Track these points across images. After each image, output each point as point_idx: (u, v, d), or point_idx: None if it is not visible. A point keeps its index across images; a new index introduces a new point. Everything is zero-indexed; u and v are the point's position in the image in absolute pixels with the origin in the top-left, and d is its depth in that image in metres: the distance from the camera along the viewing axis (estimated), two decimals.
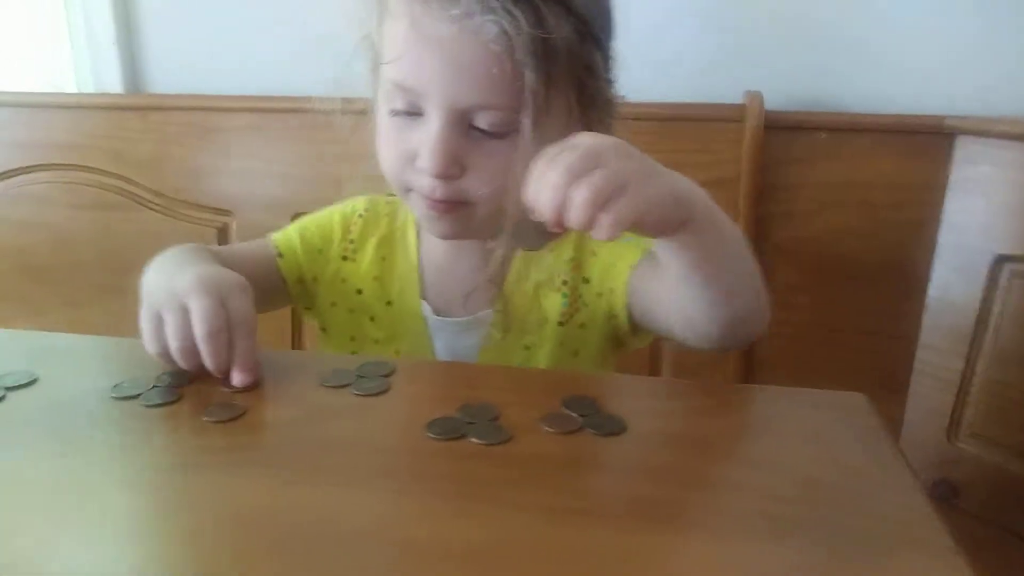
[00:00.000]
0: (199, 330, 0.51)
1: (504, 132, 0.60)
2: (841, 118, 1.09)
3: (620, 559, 0.35)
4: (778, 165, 1.09)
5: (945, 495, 1.09)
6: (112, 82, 1.28)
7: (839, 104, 1.12)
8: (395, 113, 0.63)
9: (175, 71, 1.31)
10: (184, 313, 0.52)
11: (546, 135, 0.60)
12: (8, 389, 0.51)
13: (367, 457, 0.44)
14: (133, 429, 0.47)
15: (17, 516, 0.39)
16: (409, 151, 0.62)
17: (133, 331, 0.57)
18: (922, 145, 1.07)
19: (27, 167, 1.26)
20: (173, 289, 0.54)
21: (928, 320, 1.09)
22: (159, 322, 0.53)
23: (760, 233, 1.10)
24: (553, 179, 0.45)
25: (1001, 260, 1.02)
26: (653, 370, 1.14)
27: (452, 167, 0.61)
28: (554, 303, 0.70)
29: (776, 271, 1.12)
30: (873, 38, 1.10)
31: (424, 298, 0.72)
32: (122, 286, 1.21)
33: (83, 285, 1.27)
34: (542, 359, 0.70)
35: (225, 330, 0.52)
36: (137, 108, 1.25)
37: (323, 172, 1.16)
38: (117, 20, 1.26)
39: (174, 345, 0.52)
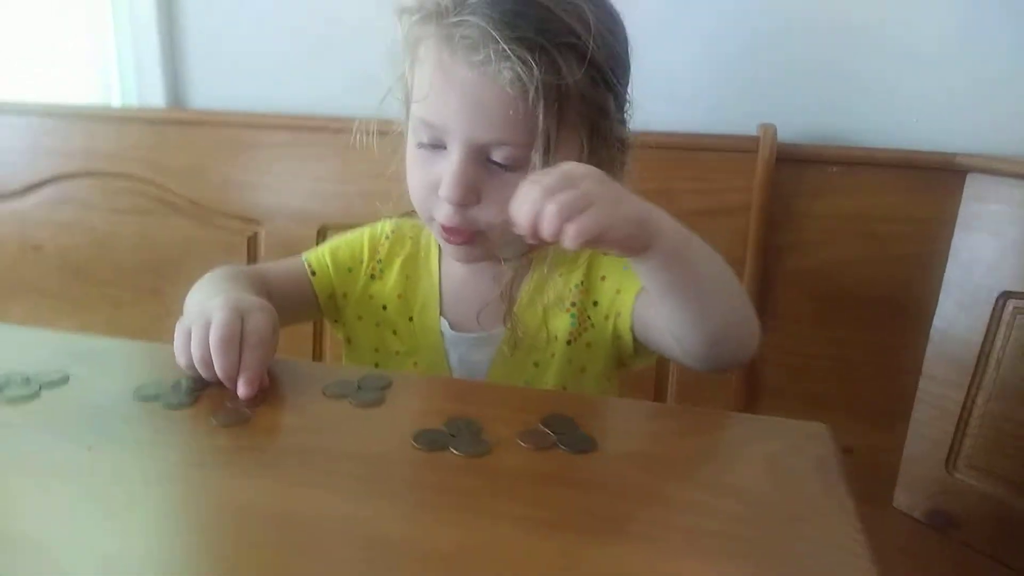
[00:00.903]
0: (213, 337, 0.57)
1: (518, 166, 0.66)
2: (852, 152, 1.12)
3: (574, 567, 0.39)
4: (789, 196, 1.12)
5: (942, 525, 1.10)
6: (155, 97, 1.36)
7: (851, 138, 1.15)
8: (421, 146, 0.69)
9: (214, 89, 1.38)
10: (207, 326, 0.58)
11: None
12: (43, 386, 0.57)
13: (357, 464, 0.48)
14: (152, 428, 0.52)
15: (45, 501, 0.44)
16: (432, 181, 0.68)
17: (168, 330, 0.62)
18: (932, 181, 1.09)
19: (74, 173, 1.34)
20: (204, 307, 0.60)
21: (932, 352, 1.11)
22: (188, 336, 0.59)
23: (769, 262, 1.13)
24: (531, 196, 0.53)
25: (1005, 296, 1.04)
26: (659, 394, 1.18)
27: (468, 196, 0.67)
28: (563, 323, 0.75)
29: (783, 300, 1.15)
30: (886, 74, 1.13)
31: (443, 314, 0.78)
32: (159, 288, 1.29)
33: (123, 286, 1.34)
34: (550, 376, 0.75)
35: (237, 341, 0.57)
36: (177, 122, 1.33)
37: (347, 188, 1.22)
38: (162, 39, 1.34)
39: (195, 354, 0.57)
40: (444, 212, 0.68)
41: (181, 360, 0.59)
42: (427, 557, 0.40)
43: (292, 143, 1.27)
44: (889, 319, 1.12)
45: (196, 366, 0.58)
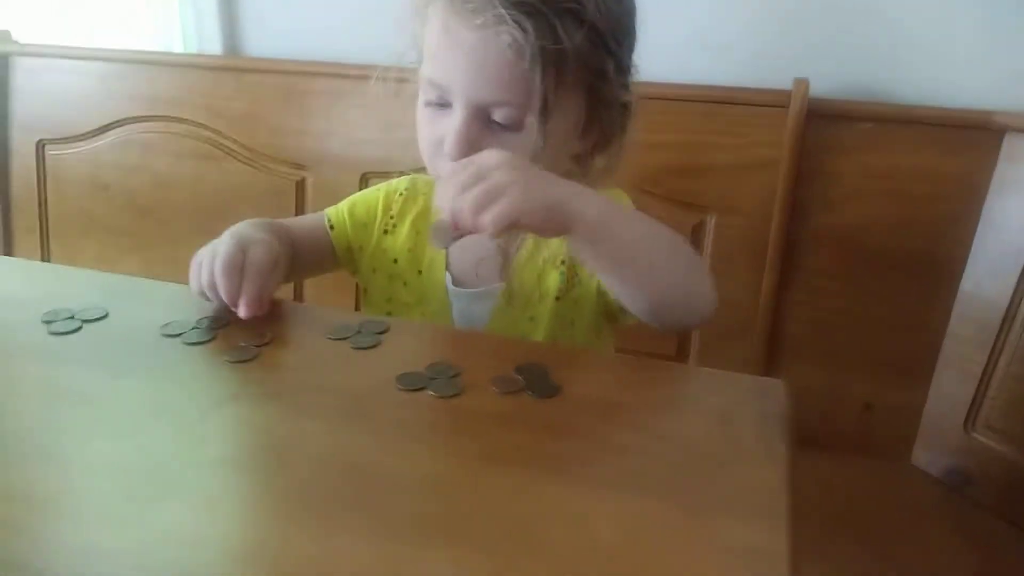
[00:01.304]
0: (217, 265, 0.65)
1: (517, 126, 0.69)
2: (886, 109, 1.11)
3: (517, 499, 0.45)
4: (820, 152, 1.12)
5: (957, 483, 1.12)
6: (212, 45, 1.42)
7: (886, 94, 1.14)
8: (429, 104, 0.73)
9: (268, 37, 1.44)
10: (215, 256, 0.66)
11: (555, 131, 0.70)
12: (85, 321, 0.64)
13: (344, 400, 0.55)
14: (172, 361, 0.59)
15: (69, 421, 0.51)
16: (439, 138, 0.72)
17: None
18: (967, 140, 1.08)
19: (136, 117, 1.43)
20: (215, 244, 0.68)
21: (957, 312, 1.11)
22: (199, 266, 0.67)
23: (796, 218, 1.14)
24: (449, 192, 0.58)
25: None
26: (681, 349, 1.21)
27: (470, 152, 0.70)
28: (553, 280, 0.79)
29: (809, 255, 1.16)
30: (924, 29, 1.11)
31: (448, 269, 0.82)
32: (212, 228, 1.36)
33: (181, 224, 1.43)
34: (542, 330, 0.79)
35: (239, 269, 0.65)
36: (233, 69, 1.39)
37: (390, 137, 1.27)
38: None
39: (203, 280, 0.66)
40: (446, 167, 0.72)
41: (193, 286, 0.67)
42: (391, 482, 0.46)
43: (339, 92, 1.32)
44: (916, 278, 1.12)
45: (204, 291, 0.66)
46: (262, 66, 1.39)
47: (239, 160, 1.38)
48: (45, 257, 1.53)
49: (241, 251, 0.67)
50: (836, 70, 1.15)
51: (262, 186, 1.36)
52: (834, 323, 1.17)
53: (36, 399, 0.54)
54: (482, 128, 0.70)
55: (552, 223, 0.60)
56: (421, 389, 0.55)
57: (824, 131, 1.12)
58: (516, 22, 0.65)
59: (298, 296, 1.37)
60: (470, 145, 0.70)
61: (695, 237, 1.18)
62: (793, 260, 1.16)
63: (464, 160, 0.61)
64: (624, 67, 0.75)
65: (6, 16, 1.52)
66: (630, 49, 0.75)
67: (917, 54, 1.12)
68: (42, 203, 1.51)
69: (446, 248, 0.72)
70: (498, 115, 0.70)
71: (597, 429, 0.52)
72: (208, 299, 0.68)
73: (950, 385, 1.12)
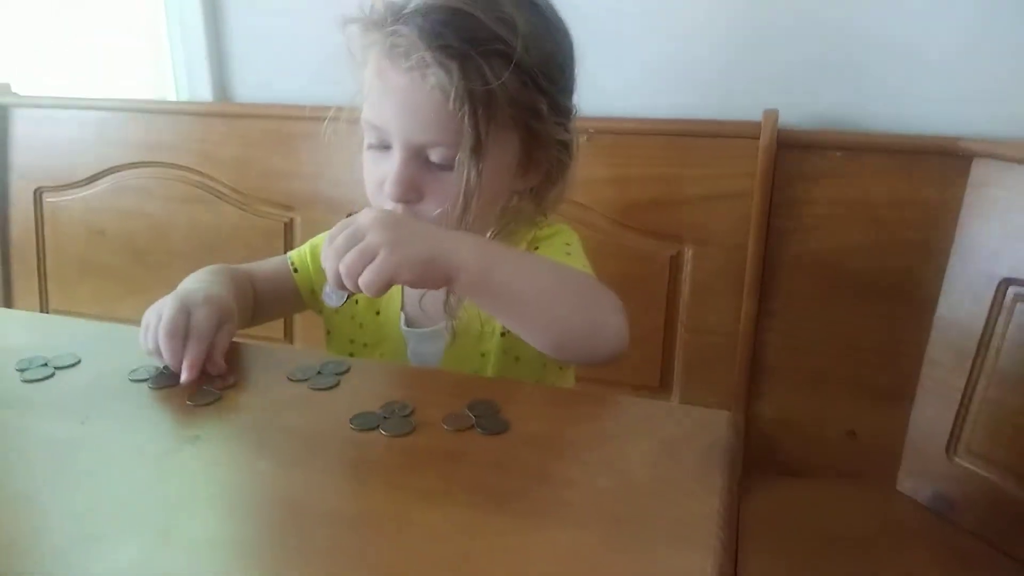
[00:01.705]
0: (160, 330, 0.65)
1: (453, 165, 0.71)
2: (855, 137, 1.13)
3: (457, 534, 0.46)
4: (791, 181, 1.14)
5: (941, 509, 1.12)
6: (203, 92, 1.47)
7: (854, 123, 1.16)
8: (370, 146, 0.76)
9: (257, 84, 1.48)
10: (159, 320, 0.66)
11: (491, 169, 0.72)
12: (57, 368, 0.67)
13: (298, 441, 0.56)
14: (138, 405, 0.62)
15: (42, 466, 0.53)
16: (380, 179, 0.74)
17: None
18: (936, 166, 1.09)
19: (132, 163, 1.47)
20: (162, 303, 0.69)
21: (935, 337, 1.12)
22: (147, 329, 0.68)
23: (771, 247, 1.16)
24: (328, 259, 0.61)
25: (1006, 283, 1.04)
26: (664, 377, 1.22)
27: (409, 193, 0.73)
28: None
29: (786, 284, 1.17)
30: (889, 58, 1.13)
31: (403, 309, 0.84)
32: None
33: (176, 268, 1.44)
34: (491, 365, 0.81)
35: (181, 335, 0.65)
36: (223, 115, 1.43)
37: None
38: (208, 39, 1.44)
39: (149, 345, 0.67)
40: (390, 208, 0.74)
41: (143, 347, 0.68)
42: (337, 522, 0.48)
43: (325, 136, 1.35)
44: (892, 304, 1.13)
45: (151, 354, 0.67)
46: (251, 111, 1.42)
47: (230, 203, 1.41)
48: (43, 301, 1.56)
49: (184, 314, 0.67)
50: (805, 100, 1.17)
51: (253, 228, 1.40)
52: (814, 350, 1.17)
53: (6, 446, 0.56)
54: (420, 168, 0.73)
55: (430, 277, 0.62)
56: (374, 428, 0.57)
57: (795, 160, 1.13)
58: (441, 65, 0.67)
59: (288, 331, 1.39)
60: (409, 185, 0.72)
61: (672, 269, 1.19)
62: (771, 288, 1.17)
63: (342, 222, 0.63)
64: (559, 106, 0.77)
65: (6, 69, 1.57)
66: (566, 88, 0.78)
67: (884, 82, 1.14)
68: (40, 249, 1.55)
69: (339, 306, 0.75)
70: (434, 155, 0.72)
71: (542, 464, 0.53)
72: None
73: (931, 410, 1.12)
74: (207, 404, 0.61)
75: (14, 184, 1.54)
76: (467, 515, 0.48)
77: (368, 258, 0.59)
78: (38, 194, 1.53)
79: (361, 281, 0.59)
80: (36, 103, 1.53)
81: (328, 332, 0.89)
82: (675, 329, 1.21)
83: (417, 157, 0.72)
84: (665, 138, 1.18)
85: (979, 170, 1.07)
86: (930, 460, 1.12)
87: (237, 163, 1.41)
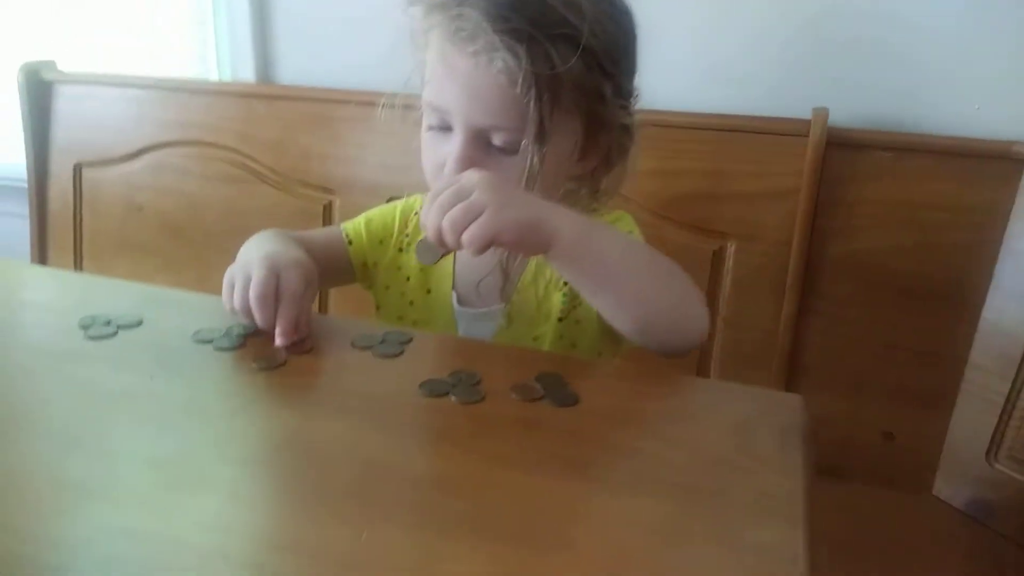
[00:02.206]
0: (252, 293, 0.65)
1: (515, 150, 0.71)
2: (906, 138, 1.12)
3: (530, 498, 0.46)
4: (839, 181, 1.13)
5: (981, 515, 1.10)
6: (246, 72, 1.47)
7: (905, 124, 1.15)
8: (431, 128, 0.75)
9: (300, 66, 1.48)
10: (248, 280, 0.66)
11: (553, 154, 0.71)
12: (120, 327, 0.67)
13: (369, 404, 0.56)
14: (203, 366, 0.61)
15: (111, 418, 0.53)
16: (440, 161, 0.74)
17: None
18: (988, 170, 1.08)
19: (173, 141, 1.47)
20: (248, 262, 0.68)
21: (979, 342, 1.11)
22: (231, 287, 0.67)
23: (815, 246, 1.15)
24: (431, 215, 0.60)
25: None
26: (701, 366, 1.22)
27: None
28: (555, 301, 0.80)
29: (829, 283, 1.16)
30: (944, 58, 1.12)
31: (455, 288, 0.84)
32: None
33: (211, 246, 1.47)
34: (545, 349, 0.80)
35: (273, 296, 0.65)
36: (265, 96, 1.43)
37: (415, 162, 1.29)
38: (253, 20, 1.45)
39: (237, 305, 0.66)
40: (433, 188, 0.74)
41: (226, 306, 0.68)
42: (410, 480, 0.47)
43: (366, 117, 1.34)
44: (936, 307, 1.12)
45: (237, 312, 0.66)
46: (293, 93, 1.42)
47: (269, 184, 1.41)
48: None
49: (275, 276, 0.66)
50: (856, 100, 1.17)
51: (290, 209, 1.39)
52: (854, 351, 1.16)
53: (76, 396, 0.56)
54: (481, 151, 0.72)
55: (530, 241, 0.62)
56: (444, 395, 0.57)
57: (843, 160, 1.13)
58: (509, 48, 0.66)
59: (322, 306, 1.39)
60: (469, 167, 0.70)
61: (715, 264, 1.19)
62: (813, 287, 1.16)
63: (447, 180, 0.63)
64: (622, 89, 0.76)
65: (51, 46, 1.57)
66: (629, 71, 0.77)
67: (937, 84, 1.13)
68: (77, 223, 1.55)
69: (433, 264, 0.74)
70: (496, 139, 0.71)
71: (616, 436, 0.53)
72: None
73: (972, 415, 1.11)
74: (274, 368, 0.61)
75: (54, 159, 1.55)
76: (544, 480, 0.48)
77: (473, 215, 0.59)
78: (77, 169, 1.53)
79: (465, 237, 0.59)
80: (79, 80, 1.54)
81: (377, 307, 0.89)
82: (715, 324, 1.20)
83: (478, 140, 0.72)
84: (713, 133, 1.18)
85: None
86: (969, 465, 1.11)
87: (277, 144, 1.41)
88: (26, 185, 1.56)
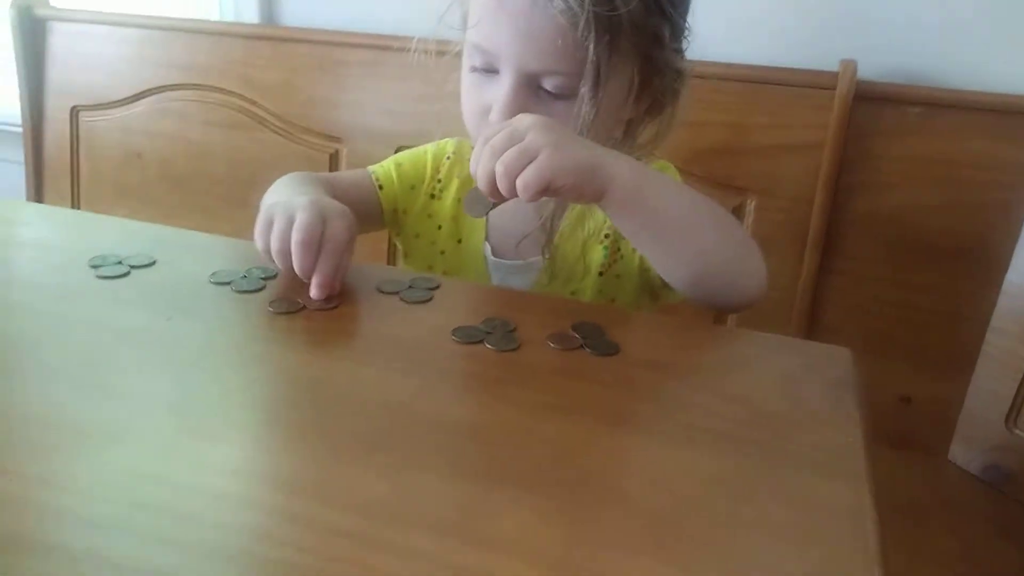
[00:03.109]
0: (296, 236, 0.59)
1: (568, 95, 0.67)
2: (935, 93, 1.08)
3: (573, 448, 0.43)
4: (866, 136, 1.10)
5: (996, 480, 1.09)
6: (249, 13, 1.41)
7: (936, 78, 1.11)
8: (475, 70, 0.71)
9: (305, 6, 1.42)
10: (290, 222, 0.60)
11: (607, 100, 0.67)
12: (133, 267, 0.63)
13: (398, 349, 0.53)
14: (222, 307, 0.58)
15: (126, 358, 0.50)
16: (484, 105, 0.70)
17: (252, 238, 0.66)
18: (1018, 126, 1.05)
19: (171, 85, 1.42)
20: (291, 202, 0.62)
21: (1002, 304, 1.08)
22: (269, 225, 0.61)
23: (839, 202, 1.12)
24: (483, 159, 0.56)
25: None
26: (718, 323, 1.19)
27: None
28: (597, 255, 0.77)
29: (852, 241, 1.13)
30: (977, 12, 1.08)
31: (488, 239, 0.80)
32: (246, 198, 1.36)
33: (213, 194, 1.42)
34: None
35: (317, 243, 0.59)
36: (269, 38, 1.38)
37: (425, 110, 1.25)
38: None
39: (275, 246, 0.60)
40: (483, 133, 0.70)
41: (259, 244, 0.62)
42: (442, 427, 0.45)
43: (375, 63, 1.31)
44: (961, 268, 1.10)
45: (273, 254, 0.61)
46: (298, 35, 1.37)
47: (273, 130, 1.37)
48: None
49: (321, 223, 0.60)
50: (885, 53, 1.13)
51: (296, 157, 1.35)
52: (874, 311, 1.14)
53: (89, 337, 0.53)
54: (531, 96, 0.68)
55: (586, 186, 0.58)
56: (479, 342, 0.54)
57: (871, 115, 1.09)
58: None
59: None
60: (518, 113, 0.66)
61: (735, 218, 1.16)
62: (835, 245, 1.14)
63: (497, 124, 0.59)
64: (679, 31, 0.72)
65: None
66: (684, 10, 0.73)
67: (968, 37, 1.09)
68: (74, 170, 1.50)
69: (482, 216, 0.70)
70: (548, 84, 0.67)
71: (660, 386, 0.50)
72: (271, 261, 0.62)
73: (991, 380, 1.09)
74: (295, 312, 0.57)
75: (50, 101, 1.50)
76: (592, 431, 0.45)
77: (528, 158, 0.55)
78: (74, 112, 1.48)
79: (520, 181, 0.55)
80: (74, 17, 1.47)
81: (405, 256, 0.86)
82: None
83: (529, 84, 0.67)
84: (737, 84, 1.14)
85: None
86: (987, 430, 1.10)
87: (282, 89, 1.36)
88: (20, 130, 1.51)
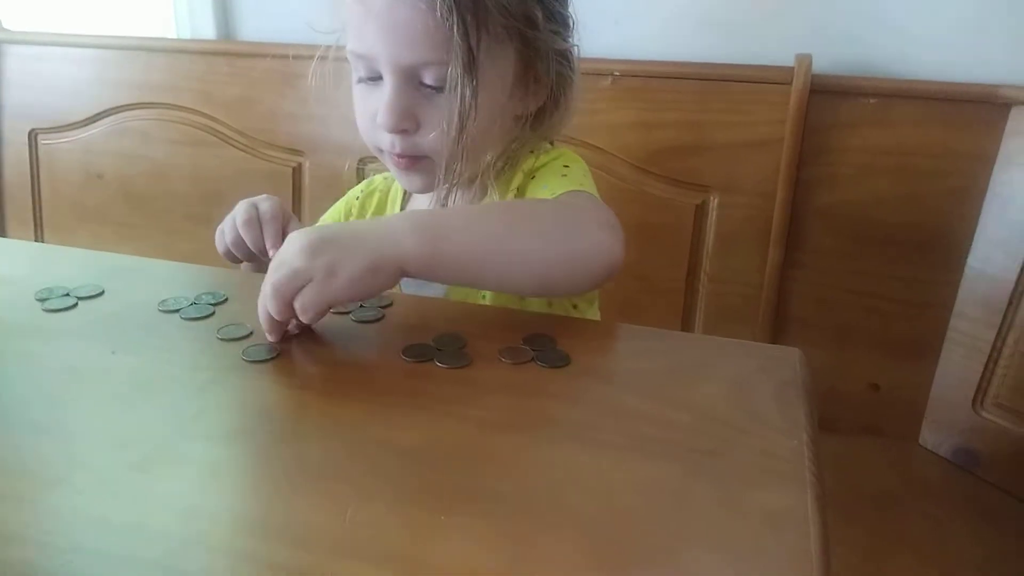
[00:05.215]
0: (238, 220, 0.73)
1: (449, 86, 0.66)
2: (890, 84, 1.09)
3: (522, 463, 0.43)
4: (823, 129, 1.11)
5: (966, 463, 1.10)
6: (206, 30, 1.40)
7: (890, 69, 1.12)
8: (360, 80, 0.72)
9: (262, 21, 1.42)
10: (232, 220, 0.74)
11: (487, 84, 0.67)
12: (80, 299, 0.63)
13: (348, 371, 0.53)
14: (169, 337, 0.58)
15: (72, 395, 0.50)
16: (373, 113, 0.70)
17: (216, 255, 0.78)
18: (973, 114, 1.06)
19: (130, 104, 1.41)
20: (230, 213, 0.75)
21: (964, 289, 1.10)
22: (222, 233, 0.75)
23: (800, 195, 1.13)
24: (261, 307, 0.55)
25: None
26: (685, 322, 1.20)
27: (405, 121, 0.69)
28: None
29: (813, 234, 1.14)
30: (929, 3, 1.09)
31: None
32: (209, 215, 1.34)
33: (176, 213, 1.41)
34: (488, 302, 0.75)
35: (256, 221, 0.73)
36: (227, 54, 1.37)
37: None
38: None
39: (228, 239, 0.74)
40: (387, 141, 0.70)
41: (220, 249, 0.76)
42: (404, 452, 0.44)
43: (335, 74, 1.30)
44: (922, 255, 1.11)
45: (231, 248, 0.75)
46: (256, 50, 1.36)
47: (235, 146, 1.36)
48: None
49: (253, 207, 0.74)
50: (839, 45, 1.14)
51: (259, 172, 1.34)
52: (840, 301, 1.15)
53: (32, 374, 0.52)
54: (413, 93, 0.68)
55: (378, 280, 0.56)
56: (429, 360, 0.54)
57: (827, 107, 1.10)
58: None
59: None
60: (403, 113, 0.68)
61: (697, 218, 1.16)
62: (798, 238, 1.14)
63: (274, 261, 0.56)
64: (554, 14, 0.72)
65: None
66: None
67: (921, 28, 1.10)
68: (35, 193, 1.49)
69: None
70: (428, 77, 0.68)
71: (611, 396, 0.50)
72: (236, 260, 0.76)
73: (958, 363, 1.11)
74: (243, 338, 0.57)
75: (7, 125, 1.48)
76: (538, 447, 0.45)
77: (296, 289, 0.54)
78: (33, 136, 1.47)
79: (302, 316, 0.54)
80: (28, 39, 1.46)
81: None
82: (698, 279, 1.18)
83: (409, 82, 0.68)
84: (693, 82, 1.14)
85: (1018, 119, 1.04)
86: (955, 414, 1.11)
87: (242, 104, 1.35)
88: None
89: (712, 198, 1.16)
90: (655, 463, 0.43)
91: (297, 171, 1.34)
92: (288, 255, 0.55)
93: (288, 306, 0.54)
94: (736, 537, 0.38)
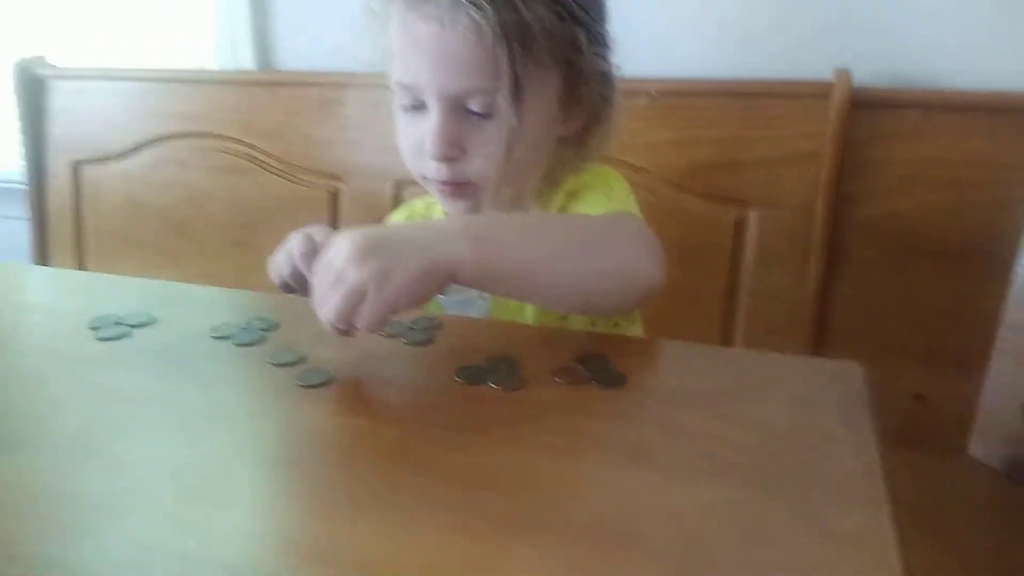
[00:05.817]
0: (295, 253, 0.63)
1: (495, 113, 0.67)
2: (931, 95, 1.08)
3: (586, 489, 0.43)
4: (864, 142, 1.10)
5: (1017, 473, 1.07)
6: (246, 60, 1.42)
7: (932, 80, 1.11)
8: (404, 109, 0.72)
9: (300, 51, 1.44)
10: (288, 253, 0.65)
11: (533, 109, 0.68)
12: (132, 327, 0.63)
13: (407, 395, 0.53)
14: (223, 363, 0.58)
15: (127, 423, 0.50)
16: (418, 141, 0.70)
17: (257, 280, 0.71)
18: (1016, 123, 1.04)
19: (173, 134, 1.43)
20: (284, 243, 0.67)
21: (1013, 299, 1.07)
22: (278, 265, 0.66)
23: (841, 209, 1.11)
24: (319, 309, 0.55)
25: None
26: (726, 337, 1.18)
27: (452, 150, 0.69)
28: None
29: (856, 248, 1.13)
30: (970, 12, 1.08)
31: None
32: (249, 241, 1.37)
33: (216, 239, 1.43)
34: (529, 319, 0.75)
35: (314, 253, 0.61)
36: (266, 84, 1.39)
37: None
38: (251, 5, 1.40)
39: (285, 271, 0.65)
40: (433, 169, 0.70)
41: (276, 282, 0.67)
42: (465, 477, 0.44)
43: (370, 101, 1.31)
44: (967, 267, 1.09)
45: (288, 281, 0.65)
46: (295, 79, 1.39)
47: (273, 173, 1.37)
48: None
49: (309, 239, 0.65)
50: (879, 57, 1.13)
51: (297, 198, 1.36)
52: (883, 314, 1.13)
53: (88, 403, 0.53)
54: (460, 121, 0.69)
55: (432, 286, 0.55)
56: (483, 382, 0.53)
57: (868, 121, 1.09)
58: (471, 2, 0.63)
59: None
60: (451, 141, 0.68)
61: (737, 234, 1.15)
62: (839, 252, 1.13)
63: (322, 263, 0.56)
64: (597, 36, 0.72)
65: (41, 40, 1.53)
66: (601, 17, 0.73)
67: (962, 38, 1.09)
68: (78, 223, 1.52)
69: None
70: (474, 104, 0.68)
71: (672, 417, 0.49)
72: (292, 291, 0.67)
73: (1007, 373, 1.08)
74: (290, 364, 0.57)
75: (52, 157, 1.51)
76: (602, 470, 0.44)
77: (356, 300, 0.53)
78: (76, 167, 1.50)
79: (360, 325, 0.53)
80: (73, 74, 1.50)
81: None
82: (737, 294, 1.17)
83: (455, 109, 0.68)
84: (731, 99, 1.14)
85: None
86: (1005, 424, 1.08)
87: (280, 132, 1.37)
88: (23, 186, 1.53)
89: (751, 214, 1.15)
90: (724, 485, 0.42)
91: (335, 196, 1.35)
92: (338, 261, 0.54)
93: (351, 324, 0.54)
94: (814, 560, 0.37)
